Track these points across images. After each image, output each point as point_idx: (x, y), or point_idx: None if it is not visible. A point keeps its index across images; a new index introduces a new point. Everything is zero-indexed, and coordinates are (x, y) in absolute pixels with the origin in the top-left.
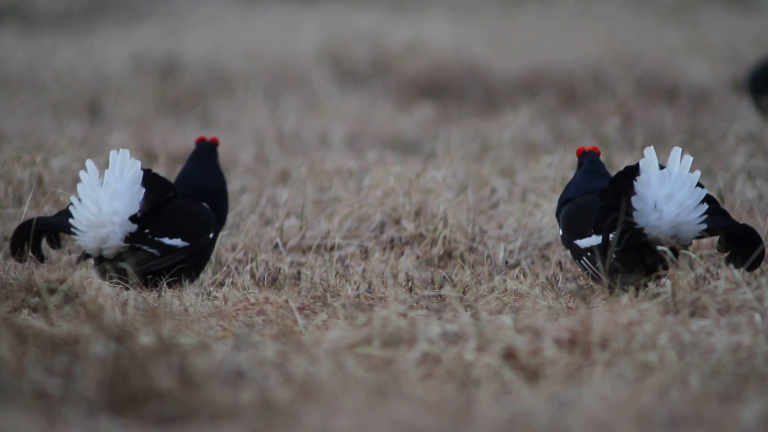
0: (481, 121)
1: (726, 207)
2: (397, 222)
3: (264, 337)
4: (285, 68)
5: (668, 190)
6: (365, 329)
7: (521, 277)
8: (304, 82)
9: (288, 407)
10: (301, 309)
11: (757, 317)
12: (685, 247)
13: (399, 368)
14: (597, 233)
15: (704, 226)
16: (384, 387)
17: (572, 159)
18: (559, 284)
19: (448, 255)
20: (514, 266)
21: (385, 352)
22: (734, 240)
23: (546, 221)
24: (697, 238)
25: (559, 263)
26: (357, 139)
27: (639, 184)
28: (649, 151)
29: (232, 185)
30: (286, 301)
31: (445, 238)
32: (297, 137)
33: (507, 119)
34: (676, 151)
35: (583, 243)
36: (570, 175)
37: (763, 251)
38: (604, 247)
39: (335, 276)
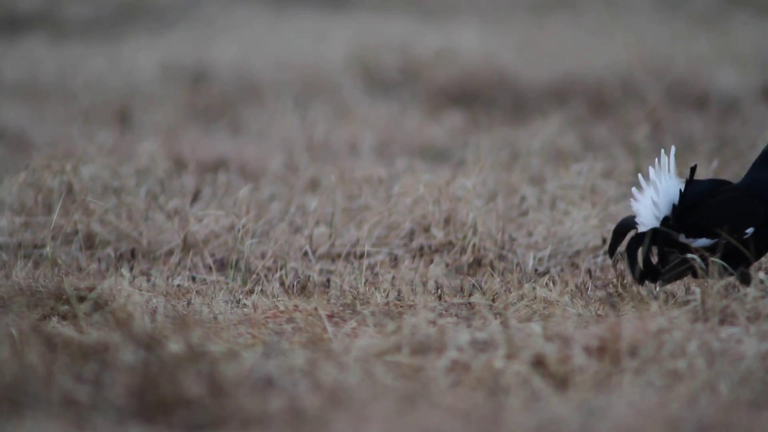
0: (510, 128)
1: None
2: (427, 230)
3: (293, 344)
4: (314, 76)
5: None
6: (394, 337)
7: (550, 284)
8: (334, 90)
9: (317, 415)
10: (330, 317)
11: None
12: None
13: (428, 376)
14: None
15: None
16: (413, 394)
17: (602, 167)
18: (589, 292)
19: (477, 263)
20: (544, 274)
21: (415, 359)
22: None
23: (576, 229)
24: None
25: (589, 271)
26: (386, 147)
27: None
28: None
29: (262, 193)
30: (316, 309)
31: (474, 245)
32: (326, 145)
33: (536, 127)
34: None
35: None
36: (600, 183)
37: None
38: None
39: (364, 284)
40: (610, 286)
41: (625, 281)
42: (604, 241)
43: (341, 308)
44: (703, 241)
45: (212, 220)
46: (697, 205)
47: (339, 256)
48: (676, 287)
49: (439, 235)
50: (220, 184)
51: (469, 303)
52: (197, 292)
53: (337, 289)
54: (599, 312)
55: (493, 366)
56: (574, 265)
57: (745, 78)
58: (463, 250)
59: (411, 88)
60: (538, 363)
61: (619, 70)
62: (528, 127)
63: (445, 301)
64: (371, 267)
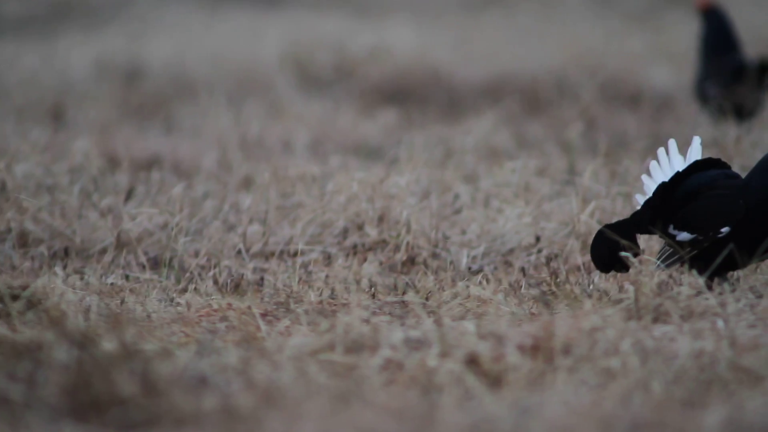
0: (444, 126)
1: None
2: (360, 228)
3: (227, 343)
4: (248, 74)
5: None
6: (328, 335)
7: (484, 283)
8: (268, 88)
9: (251, 413)
10: (263, 315)
11: (720, 323)
12: None
13: (362, 374)
14: None
15: None
16: (347, 393)
17: (535, 165)
18: (522, 290)
19: (411, 261)
20: (477, 272)
21: (348, 358)
22: None
23: (509, 227)
24: None
25: (522, 269)
26: (320, 144)
27: None
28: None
29: (195, 191)
30: (249, 308)
31: (408, 244)
32: (260, 143)
33: (470, 125)
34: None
35: None
36: (533, 181)
37: None
38: None
39: (298, 282)
40: (544, 284)
41: (558, 279)
42: (537, 239)
43: (275, 307)
44: (684, 235)
45: (146, 218)
46: (692, 197)
47: (272, 254)
48: (610, 285)
49: (372, 233)
50: (153, 182)
51: (403, 301)
52: (131, 290)
53: (271, 287)
54: (533, 310)
55: (426, 364)
56: (508, 264)
57: (679, 76)
58: (396, 248)
59: (345, 85)
60: (472, 361)
61: (553, 68)
62: (462, 124)
63: (379, 300)
64: (305, 265)
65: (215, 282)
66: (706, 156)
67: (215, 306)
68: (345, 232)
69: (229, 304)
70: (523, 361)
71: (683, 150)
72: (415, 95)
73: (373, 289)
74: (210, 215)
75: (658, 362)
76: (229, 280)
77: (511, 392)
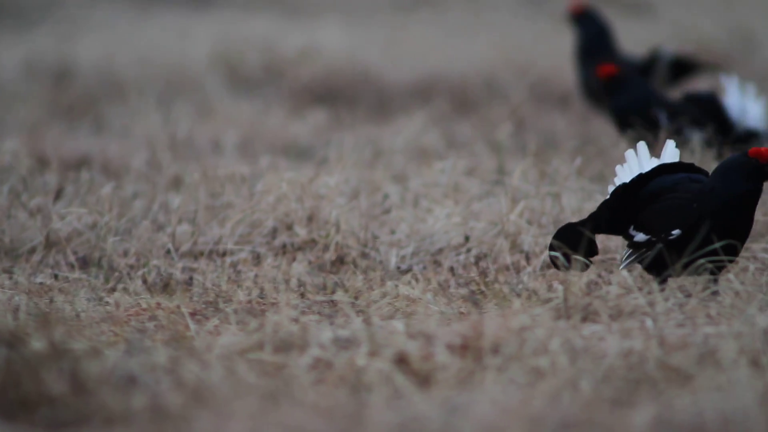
0: (374, 126)
1: None
2: (290, 227)
3: (156, 342)
4: (178, 74)
5: None
6: (257, 334)
7: (413, 282)
8: (198, 88)
9: (180, 412)
10: (192, 314)
11: (649, 322)
12: None
13: (291, 373)
14: None
15: None
16: (276, 392)
17: (465, 165)
18: (451, 289)
19: (340, 260)
20: (406, 272)
21: (277, 357)
22: None
23: (438, 227)
24: None
25: (451, 269)
26: (250, 144)
27: None
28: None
29: (125, 191)
30: (178, 307)
31: (337, 243)
32: (190, 143)
33: (400, 125)
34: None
35: None
36: (463, 181)
37: None
38: None
39: (227, 281)
40: (473, 283)
41: (487, 279)
42: (466, 238)
43: (204, 306)
44: (641, 236)
45: (75, 217)
46: (654, 199)
47: (202, 253)
48: (539, 284)
49: (302, 232)
50: (83, 182)
51: (332, 301)
52: (60, 289)
53: (200, 286)
54: (462, 309)
55: (355, 363)
56: (437, 263)
57: None
58: (326, 248)
59: (275, 86)
60: (401, 361)
61: (483, 69)
62: (391, 125)
63: (308, 299)
64: (234, 265)
65: (144, 281)
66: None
67: (144, 305)
68: (274, 232)
69: (158, 304)
70: (452, 360)
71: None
72: (344, 95)
73: (302, 288)
74: (139, 215)
75: (587, 361)
76: (158, 280)
77: (440, 391)
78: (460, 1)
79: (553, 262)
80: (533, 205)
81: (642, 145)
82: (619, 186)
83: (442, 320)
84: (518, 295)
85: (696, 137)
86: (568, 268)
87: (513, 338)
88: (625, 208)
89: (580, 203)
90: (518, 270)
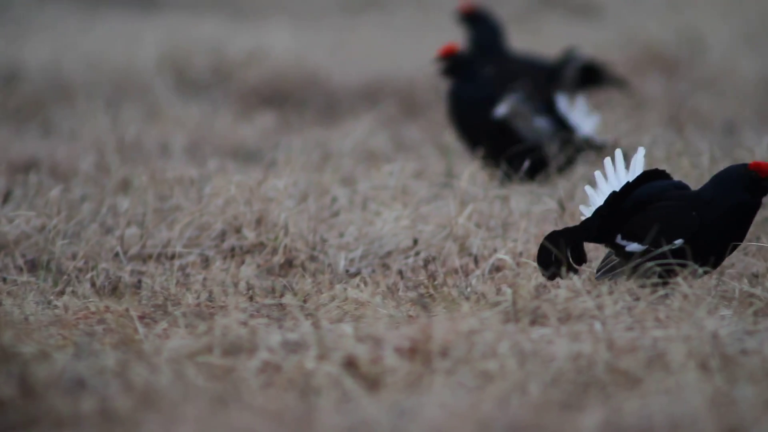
0: (322, 129)
1: (566, 215)
2: (238, 231)
3: (104, 345)
4: (126, 77)
5: None
6: (206, 338)
7: (362, 285)
8: (145, 91)
9: (129, 416)
10: (141, 318)
11: (597, 325)
12: None
13: (239, 377)
14: None
15: None
16: (225, 395)
17: (413, 167)
18: (400, 293)
19: (289, 264)
20: (355, 275)
21: (226, 360)
22: None
23: (387, 230)
24: None
25: (400, 272)
26: (198, 147)
27: None
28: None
29: (73, 194)
30: (127, 310)
31: (286, 246)
32: (138, 146)
33: (348, 128)
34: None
35: None
36: (411, 183)
37: None
38: None
39: (176, 284)
40: (422, 287)
41: (436, 282)
42: (415, 241)
43: (152, 309)
44: (634, 246)
45: (23, 221)
46: (642, 207)
47: (150, 256)
48: (488, 288)
49: (250, 235)
50: (31, 185)
51: (281, 304)
52: (8, 293)
53: (149, 290)
54: (410, 313)
55: (304, 367)
56: (386, 266)
57: None
58: (274, 251)
59: (223, 88)
60: (350, 364)
61: (430, 71)
62: (340, 127)
63: (257, 302)
64: (183, 268)
65: (93, 284)
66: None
67: (93, 308)
68: (223, 235)
69: (107, 307)
70: (401, 364)
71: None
72: (292, 98)
73: (250, 291)
74: (87, 218)
75: (535, 364)
76: (106, 283)
77: (389, 394)
78: (409, 3)
79: (540, 267)
80: (482, 208)
81: (619, 153)
82: (611, 193)
83: (391, 324)
84: (467, 299)
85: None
86: (555, 275)
87: (462, 342)
88: (612, 217)
89: (528, 206)
90: (467, 273)
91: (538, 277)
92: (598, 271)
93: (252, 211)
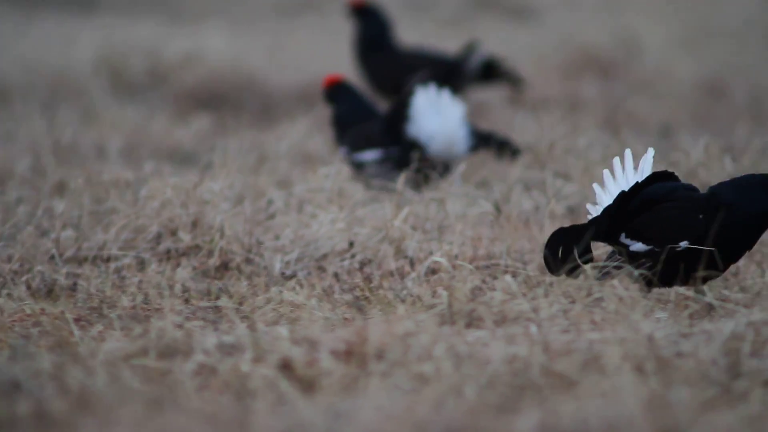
0: (258, 132)
1: (502, 218)
2: (174, 233)
3: (40, 348)
4: (63, 79)
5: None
6: (141, 340)
7: (297, 288)
8: (82, 93)
9: (65, 419)
10: (77, 320)
11: (533, 328)
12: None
13: (175, 379)
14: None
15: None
16: (160, 398)
17: (349, 170)
18: (336, 295)
19: (224, 266)
20: (291, 277)
21: (162, 363)
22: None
23: (323, 232)
24: None
25: (336, 274)
26: (134, 150)
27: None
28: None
29: (8, 196)
30: (62, 312)
31: (221, 249)
32: (74, 148)
33: (284, 130)
34: None
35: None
36: (347, 186)
37: None
38: None
39: (111, 287)
40: (357, 289)
41: (371, 284)
42: (351, 244)
43: (88, 312)
44: (638, 246)
45: None
46: (649, 207)
47: (86, 259)
48: (423, 290)
49: (186, 238)
50: None
51: (217, 306)
52: None
53: (84, 292)
54: (346, 315)
55: (240, 369)
56: (321, 269)
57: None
58: (210, 254)
59: (159, 91)
60: (285, 366)
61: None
62: (276, 130)
63: (192, 305)
64: (118, 270)
65: (28, 287)
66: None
67: (28, 311)
68: (158, 238)
69: (42, 309)
70: (337, 366)
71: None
72: (229, 101)
73: (186, 294)
74: (23, 220)
75: (471, 367)
76: (42, 285)
77: (324, 397)
78: (343, 6)
79: (547, 264)
80: (417, 210)
81: (628, 153)
82: (620, 192)
83: (327, 326)
84: (403, 301)
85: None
86: (559, 272)
87: (397, 344)
88: (620, 216)
89: (464, 209)
90: (402, 276)
91: (473, 280)
92: (599, 270)
93: (188, 214)
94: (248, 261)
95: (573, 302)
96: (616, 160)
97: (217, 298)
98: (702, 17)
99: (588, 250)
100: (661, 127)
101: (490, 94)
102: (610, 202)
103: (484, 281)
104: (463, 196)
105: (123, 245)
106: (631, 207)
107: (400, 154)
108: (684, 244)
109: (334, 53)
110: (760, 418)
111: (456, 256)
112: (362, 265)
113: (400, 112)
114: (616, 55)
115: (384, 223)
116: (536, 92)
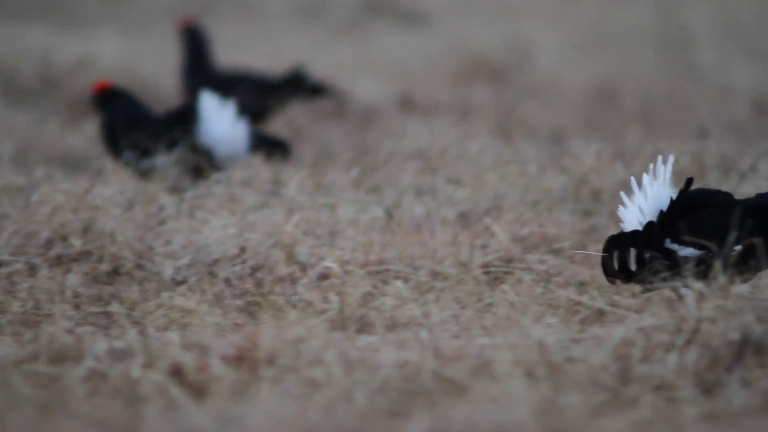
0: None
1: (393, 223)
2: (65, 239)
3: None
4: None
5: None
6: (32, 346)
7: (189, 293)
8: None
9: None
10: None
11: (424, 333)
12: None
13: (66, 385)
14: None
15: None
16: (50, 404)
17: (242, 176)
18: (227, 301)
19: (115, 272)
20: (182, 283)
21: (52, 368)
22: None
23: (214, 238)
24: None
25: (227, 280)
26: (25, 155)
27: None
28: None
29: None
30: None
31: (112, 254)
32: None
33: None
34: None
35: None
36: (239, 192)
37: None
38: None
39: (2, 292)
40: (249, 294)
41: (263, 290)
42: (242, 249)
43: None
44: (689, 251)
45: None
46: (689, 213)
47: None
48: (314, 296)
49: (77, 243)
50: None
51: (107, 312)
52: None
53: None
54: (238, 321)
55: (130, 375)
56: (212, 274)
57: (384, 87)
58: (101, 259)
59: (51, 96)
60: (176, 372)
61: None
62: None
63: (83, 310)
64: (8, 276)
65: None
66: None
67: None
68: (49, 243)
69: None
70: (228, 372)
71: None
72: None
73: (77, 299)
74: None
75: (362, 372)
76: None
77: (215, 403)
78: (239, 13)
79: (605, 270)
80: (309, 216)
81: (660, 164)
82: (670, 199)
83: (218, 331)
84: (294, 307)
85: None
86: (617, 278)
87: (288, 349)
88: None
89: (356, 214)
90: (294, 281)
91: (365, 285)
92: (642, 280)
93: (79, 219)
94: (139, 266)
95: (464, 308)
96: (651, 168)
97: (108, 303)
98: (594, 23)
99: (642, 257)
100: (553, 133)
101: (380, 99)
102: (640, 207)
103: (375, 287)
104: (354, 201)
105: (14, 250)
106: (672, 213)
107: (189, 157)
108: (738, 248)
109: (228, 59)
110: (650, 423)
111: (347, 262)
112: (253, 270)
113: (187, 117)
114: (508, 61)
115: (275, 229)
116: (428, 98)
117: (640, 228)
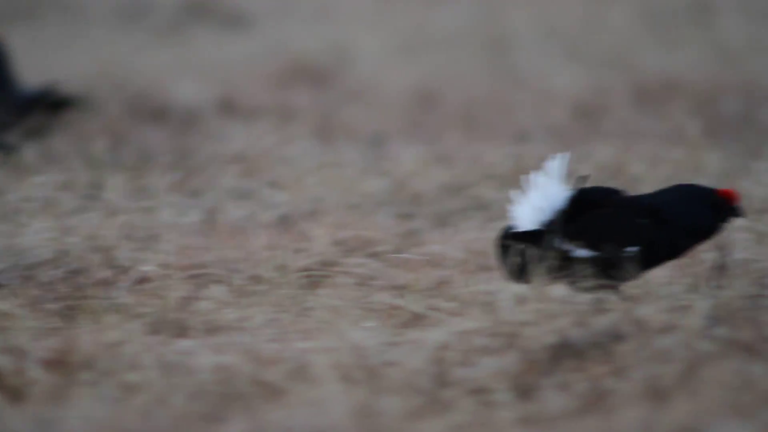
0: None
1: (214, 227)
2: None
3: None
4: None
5: None
6: None
7: (6, 297)
8: None
9: None
10: None
11: (242, 337)
12: None
13: None
14: None
15: None
16: None
17: (61, 179)
18: (45, 305)
19: None
20: (0, 287)
21: None
22: None
23: (33, 241)
24: None
25: (45, 283)
26: None
27: None
28: None
29: None
30: None
31: None
32: None
33: None
34: None
35: None
36: (59, 195)
37: None
38: None
39: None
40: (67, 298)
41: (81, 293)
42: (60, 253)
43: None
44: (583, 253)
45: None
46: (583, 214)
47: None
48: (133, 299)
49: None
50: None
51: None
52: None
53: None
54: (55, 325)
55: None
56: (31, 278)
57: (205, 90)
58: None
59: None
60: None
61: (80, 82)
62: None
63: None
64: None
65: None
66: None
67: None
68: None
69: None
70: (45, 376)
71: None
72: None
73: None
74: None
75: (179, 377)
76: None
77: (32, 407)
78: (57, 15)
79: (501, 267)
80: (129, 219)
81: (553, 162)
82: (569, 196)
83: (34, 335)
84: (112, 311)
85: None
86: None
87: (105, 353)
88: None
89: (176, 218)
90: (112, 285)
91: (184, 289)
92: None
93: None
94: None
95: (283, 311)
96: (546, 164)
97: None
98: (417, 26)
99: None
100: (374, 136)
101: (201, 103)
102: (533, 206)
103: (194, 290)
104: (174, 204)
105: None
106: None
107: None
108: (633, 250)
109: (47, 63)
110: (466, 427)
111: (167, 265)
112: (72, 274)
113: None
114: (329, 64)
115: (94, 232)
116: (249, 101)
117: (532, 227)
